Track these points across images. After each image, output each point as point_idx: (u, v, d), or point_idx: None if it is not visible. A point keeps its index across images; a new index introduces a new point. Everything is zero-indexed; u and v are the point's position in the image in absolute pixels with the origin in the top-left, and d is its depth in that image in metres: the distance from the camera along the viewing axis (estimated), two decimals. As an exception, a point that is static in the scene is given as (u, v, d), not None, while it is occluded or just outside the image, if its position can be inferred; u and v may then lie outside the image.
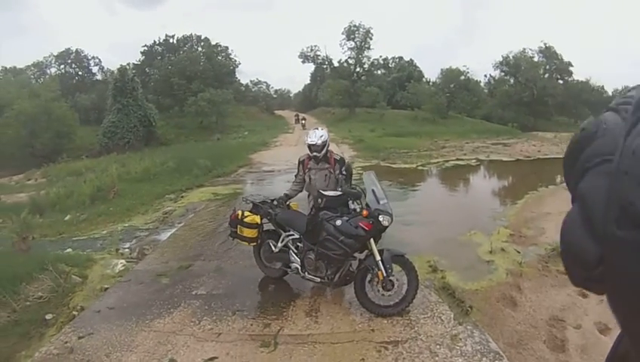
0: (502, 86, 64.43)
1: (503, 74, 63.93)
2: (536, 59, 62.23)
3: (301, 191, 7.17)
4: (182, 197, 14.92)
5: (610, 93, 78.93)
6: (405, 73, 70.65)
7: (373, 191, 5.94)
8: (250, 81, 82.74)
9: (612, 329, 5.55)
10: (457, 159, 25.10)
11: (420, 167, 21.82)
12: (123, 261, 8.50)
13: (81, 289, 7.27)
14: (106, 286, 7.32)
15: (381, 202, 5.80)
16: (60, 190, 17.23)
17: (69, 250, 9.64)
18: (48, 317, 6.26)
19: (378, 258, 5.71)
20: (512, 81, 63.07)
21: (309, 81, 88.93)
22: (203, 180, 17.63)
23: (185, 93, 50.89)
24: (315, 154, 6.77)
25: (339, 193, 6.22)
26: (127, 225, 11.92)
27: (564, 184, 0.79)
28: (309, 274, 6.25)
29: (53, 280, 7.02)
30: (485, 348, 5.09)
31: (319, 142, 6.72)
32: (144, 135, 41.35)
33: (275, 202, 7.00)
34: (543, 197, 14.48)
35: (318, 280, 6.19)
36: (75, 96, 50.84)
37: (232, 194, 14.82)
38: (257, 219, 6.73)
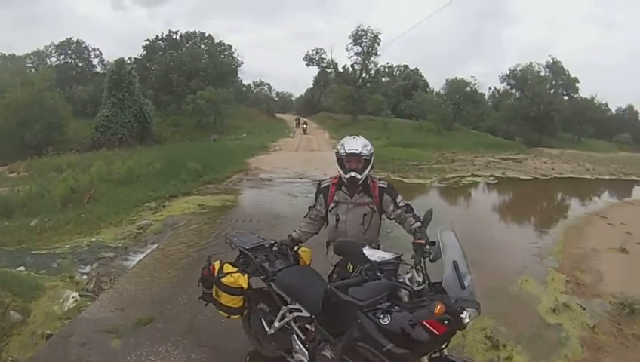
0: (506, 99, 65.01)
1: (509, 87, 64.44)
2: (542, 73, 61.98)
3: (316, 233, 4.71)
4: (163, 207, 12.80)
5: (613, 112, 79.26)
6: (411, 82, 70.34)
7: (454, 264, 3.27)
8: (253, 82, 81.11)
9: None
10: (473, 175, 23.91)
11: (435, 183, 20.20)
12: (76, 294, 6.68)
13: (20, 331, 5.62)
14: (49, 332, 5.59)
15: (466, 284, 3.23)
16: (33, 188, 14.96)
17: (21, 268, 7.94)
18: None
19: None
20: (517, 94, 63.31)
21: (311, 85, 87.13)
22: (191, 187, 15.52)
23: (184, 91, 49.01)
24: (352, 175, 4.24)
25: (394, 256, 3.61)
26: (94, 239, 9.76)
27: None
28: None
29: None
30: None
31: (364, 151, 4.24)
32: (138, 131, 39.07)
33: (275, 247, 4.67)
34: (581, 228, 13.22)
35: None
36: (73, 88, 48.48)
37: (221, 208, 12.78)
38: (243, 280, 4.37)
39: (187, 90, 48.38)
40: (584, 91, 69.47)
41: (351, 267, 3.65)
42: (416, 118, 57.51)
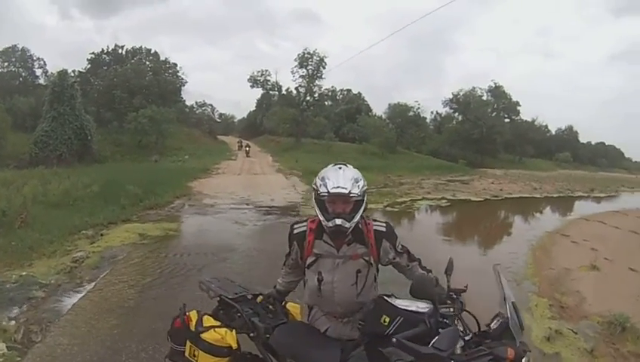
0: (449, 122, 68.41)
1: (451, 111, 67.01)
2: (485, 98, 65.28)
3: (302, 278, 3.57)
4: (101, 235, 11.60)
5: (553, 132, 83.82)
6: (354, 105, 71.87)
7: (514, 304, 2.87)
8: (196, 102, 79.16)
9: None
10: (424, 198, 24.23)
11: (388, 208, 20.00)
12: (3, 346, 5.52)
13: None
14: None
15: (524, 325, 2.92)
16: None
17: None
18: None
19: None
20: (460, 118, 65.80)
21: (254, 108, 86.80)
22: (130, 213, 14.41)
23: (126, 108, 47.30)
24: (337, 224, 3.05)
25: (427, 307, 2.88)
26: (24, 273, 8.47)
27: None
28: None
29: None
30: None
31: (355, 190, 3.04)
32: (78, 149, 36.87)
33: (261, 298, 3.68)
34: (547, 248, 13.64)
35: None
36: (14, 98, 45.78)
37: (164, 238, 11.70)
38: (232, 338, 3.24)
39: (130, 108, 46.78)
40: (525, 114, 73.44)
41: (387, 319, 2.86)
42: (360, 142, 58.53)
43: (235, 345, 3.22)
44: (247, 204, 17.82)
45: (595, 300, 8.78)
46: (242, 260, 9.75)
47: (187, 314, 3.46)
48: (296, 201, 19.42)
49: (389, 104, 62.27)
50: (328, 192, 3.01)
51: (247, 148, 50.35)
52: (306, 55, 56.47)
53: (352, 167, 3.22)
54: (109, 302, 7.04)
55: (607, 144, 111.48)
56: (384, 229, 3.27)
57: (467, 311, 2.99)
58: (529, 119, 73.77)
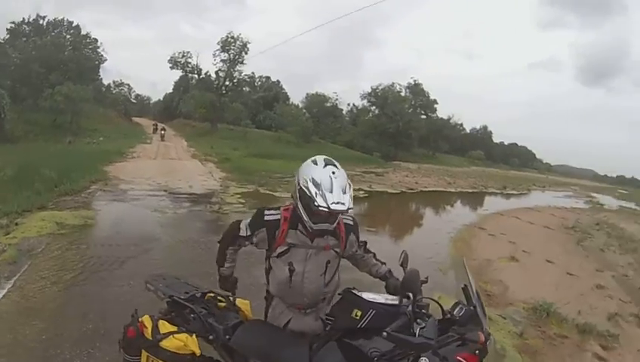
0: (365, 115, 68.26)
1: (369, 104, 66.46)
2: (403, 94, 67.08)
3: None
4: (16, 225, 10.62)
5: (468, 131, 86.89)
6: (272, 93, 71.72)
7: (478, 293, 3.18)
8: (113, 82, 77.42)
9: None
10: None
11: None
12: None
13: None
14: None
15: (485, 311, 3.15)
16: None
17: None
18: None
19: None
20: (377, 111, 66.45)
21: (171, 90, 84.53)
22: (46, 199, 13.43)
23: (42, 84, 45.10)
24: (323, 229, 3.17)
25: (396, 299, 3.07)
26: None
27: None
28: None
29: None
30: None
31: (351, 204, 3.05)
32: (-11, 127, 34.17)
33: (211, 295, 3.61)
34: (467, 240, 14.39)
35: None
36: None
37: (83, 227, 11.06)
38: (194, 343, 3.10)
39: (46, 84, 44.67)
40: (442, 112, 75.87)
41: (359, 313, 2.98)
42: (276, 130, 59.15)
43: (198, 351, 3.09)
44: (166, 191, 17.49)
45: (518, 288, 9.61)
46: (167, 251, 9.48)
47: (140, 320, 3.22)
48: (215, 189, 19.34)
49: (307, 94, 63.16)
50: (329, 208, 2.95)
51: (163, 132, 49.47)
52: (229, 39, 56.16)
53: (339, 165, 3.16)
54: (32, 303, 6.33)
55: (519, 145, 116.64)
56: (352, 223, 3.43)
57: (433, 300, 3.23)
58: (445, 117, 76.44)
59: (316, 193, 2.96)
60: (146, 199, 15.47)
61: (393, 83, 66.52)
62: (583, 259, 14.39)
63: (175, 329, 3.13)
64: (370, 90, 66.51)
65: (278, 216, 3.24)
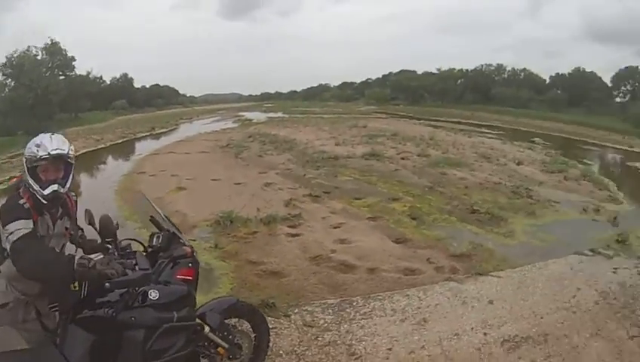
0: (1, 91, 58.51)
1: (4, 77, 57.75)
2: (40, 57, 59.36)
3: None
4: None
5: (108, 82, 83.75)
6: None
7: (167, 218, 3.79)
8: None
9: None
10: None
11: None
12: None
13: None
14: None
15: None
16: None
17: None
18: None
19: (207, 329, 3.43)
20: (12, 84, 57.37)
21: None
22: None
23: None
24: (54, 190, 2.92)
25: (100, 254, 3.37)
26: None
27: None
28: None
29: None
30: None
31: (71, 152, 3.03)
32: None
33: None
34: (131, 188, 14.46)
35: None
36: None
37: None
38: None
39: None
40: (81, 68, 70.88)
41: (77, 285, 2.87)
42: None
43: None
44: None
45: (195, 211, 10.42)
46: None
47: None
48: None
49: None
50: (49, 154, 2.87)
51: None
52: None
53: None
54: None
55: (162, 85, 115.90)
56: (76, 197, 3.33)
57: (133, 239, 3.61)
58: (84, 73, 72.08)
59: (37, 150, 2.89)
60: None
61: (29, 47, 58.35)
62: (245, 168, 16.09)
63: None
64: (5, 61, 56.64)
65: (24, 201, 2.89)
